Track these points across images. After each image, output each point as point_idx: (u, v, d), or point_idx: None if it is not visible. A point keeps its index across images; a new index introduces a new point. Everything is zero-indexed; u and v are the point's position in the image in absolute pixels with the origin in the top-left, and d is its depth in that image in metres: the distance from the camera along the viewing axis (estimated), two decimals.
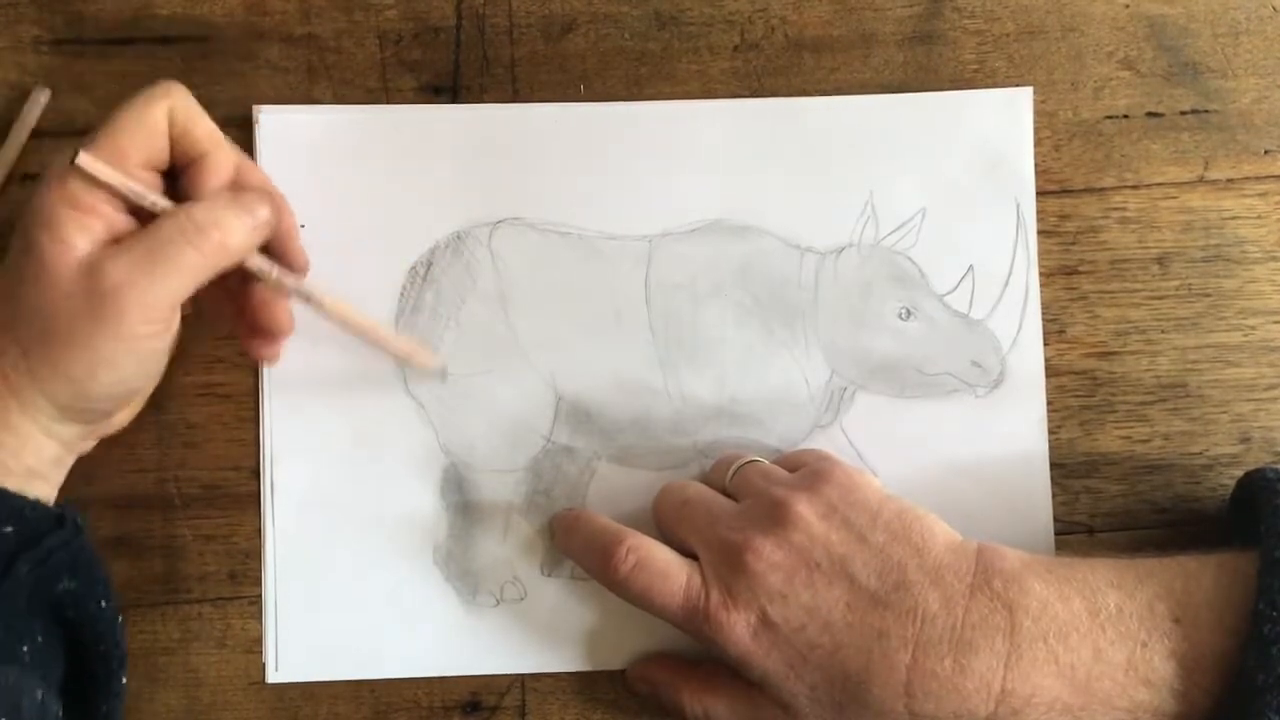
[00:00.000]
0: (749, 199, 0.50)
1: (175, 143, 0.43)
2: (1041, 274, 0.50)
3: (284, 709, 0.49)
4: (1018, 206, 0.50)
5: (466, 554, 0.49)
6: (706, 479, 0.49)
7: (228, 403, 0.50)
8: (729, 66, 0.51)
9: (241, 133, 0.50)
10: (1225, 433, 0.50)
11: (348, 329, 0.47)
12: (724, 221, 0.50)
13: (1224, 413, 0.50)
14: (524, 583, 0.50)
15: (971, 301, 0.50)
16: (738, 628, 0.43)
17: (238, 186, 0.44)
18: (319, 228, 0.49)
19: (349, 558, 0.49)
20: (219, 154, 0.44)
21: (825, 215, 0.50)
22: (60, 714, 0.42)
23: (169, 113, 0.43)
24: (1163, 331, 0.50)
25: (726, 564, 0.44)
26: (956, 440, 0.50)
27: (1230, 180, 0.51)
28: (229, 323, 0.47)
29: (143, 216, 0.43)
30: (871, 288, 0.50)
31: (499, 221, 0.50)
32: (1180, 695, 0.40)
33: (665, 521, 0.47)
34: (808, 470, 0.46)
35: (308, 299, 0.46)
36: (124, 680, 0.44)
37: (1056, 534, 0.50)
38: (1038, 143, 0.50)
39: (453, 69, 0.50)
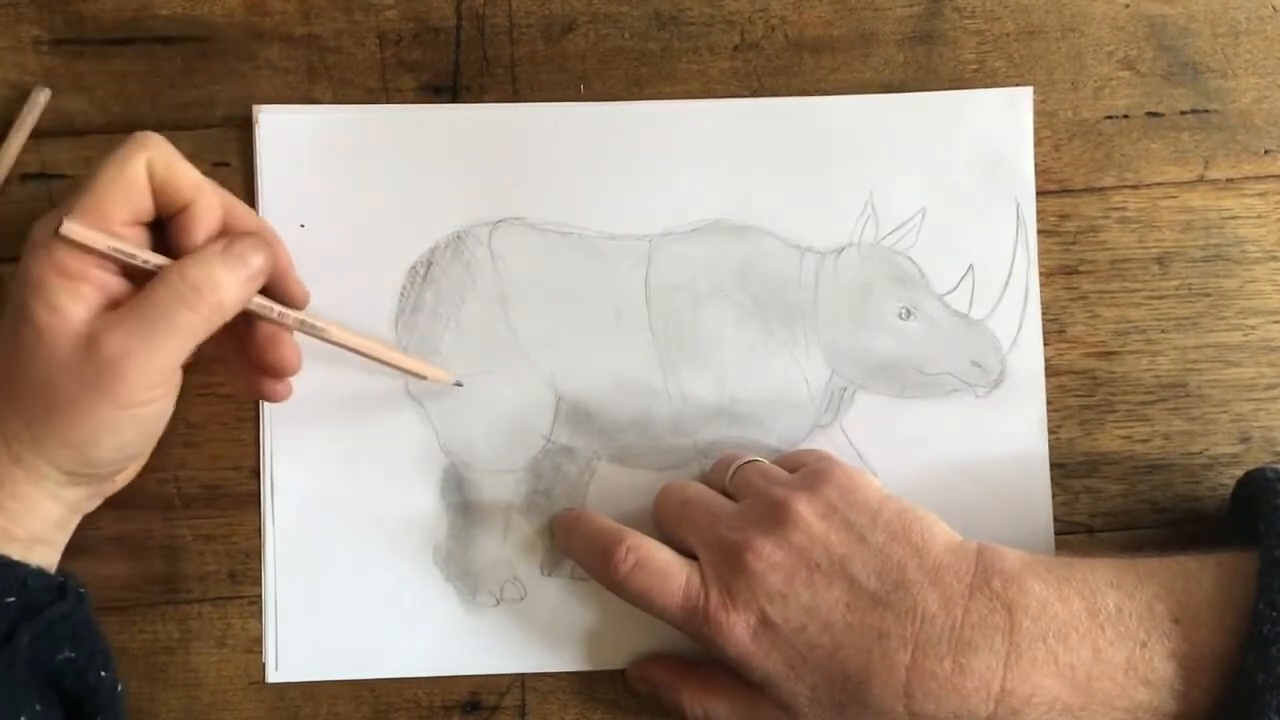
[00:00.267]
0: (749, 199, 0.50)
1: (158, 194, 0.42)
2: (1041, 274, 0.50)
3: (284, 709, 0.49)
4: (1018, 206, 0.50)
5: (466, 554, 0.49)
6: (706, 479, 0.49)
7: (228, 403, 0.50)
8: (729, 66, 0.51)
9: (241, 133, 0.50)
10: (1225, 433, 0.50)
11: (357, 354, 0.47)
12: (724, 221, 0.50)
13: (1224, 413, 0.50)
14: (524, 583, 0.50)
15: (971, 301, 0.50)
16: (737, 628, 0.43)
17: (227, 230, 0.44)
18: (319, 228, 0.50)
19: (349, 558, 0.49)
20: (204, 200, 0.43)
21: (825, 215, 0.50)
22: None
23: (148, 165, 0.42)
24: (1163, 331, 0.50)
25: (726, 564, 0.44)
26: (956, 440, 0.50)
27: (1230, 180, 0.51)
28: (235, 367, 0.47)
29: (135, 274, 0.42)
30: (871, 288, 0.50)
31: (499, 221, 0.50)
32: (1180, 695, 0.40)
33: (665, 521, 0.47)
34: (808, 470, 0.46)
35: (313, 330, 0.46)
36: None
37: (1056, 534, 0.50)
38: (1038, 143, 0.50)
39: (453, 69, 0.50)
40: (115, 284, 0.42)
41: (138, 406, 0.42)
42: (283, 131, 0.50)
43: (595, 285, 0.50)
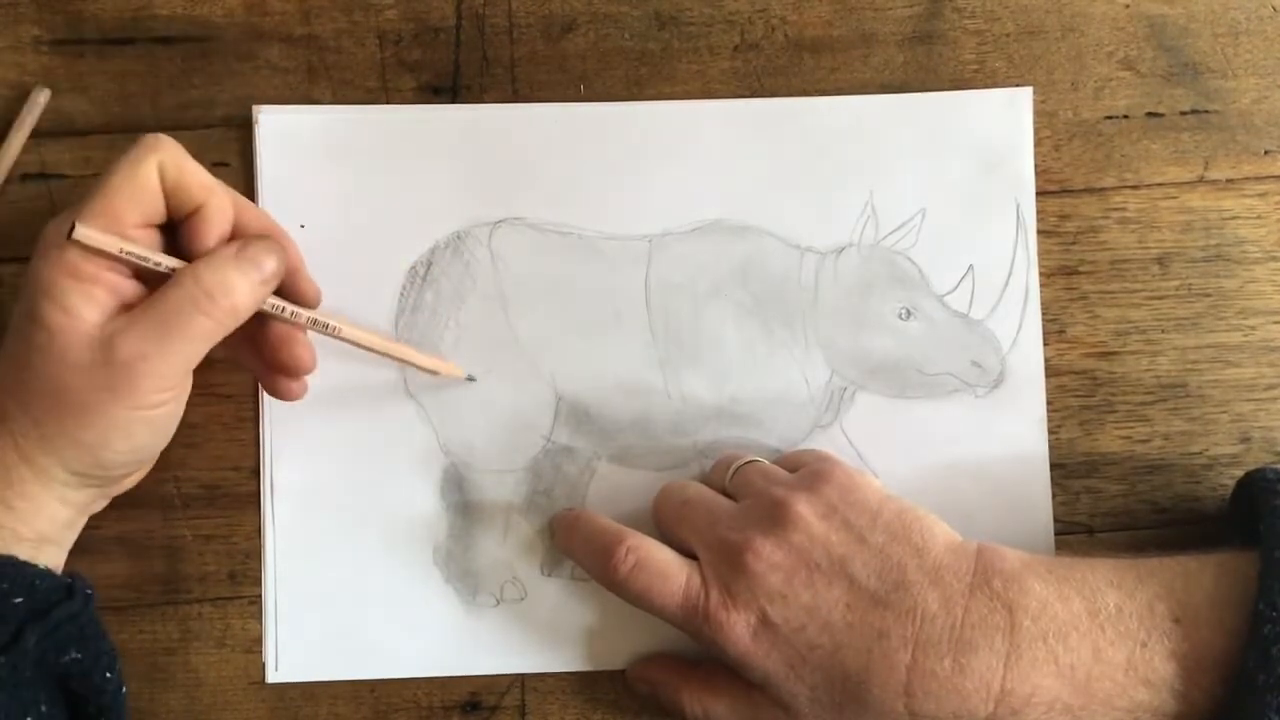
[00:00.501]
0: (749, 199, 0.50)
1: (169, 196, 0.43)
2: (1041, 274, 0.50)
3: (284, 709, 0.49)
4: (1018, 206, 0.50)
5: (466, 554, 0.49)
6: (706, 479, 0.49)
7: (228, 403, 0.50)
8: (729, 66, 0.51)
9: (241, 133, 0.50)
10: (1225, 433, 0.50)
11: (369, 351, 0.47)
12: (724, 221, 0.50)
13: (1224, 413, 0.50)
14: (524, 583, 0.50)
15: (971, 301, 0.50)
16: (737, 628, 0.43)
17: (239, 232, 0.44)
18: (319, 228, 0.50)
19: (349, 558, 0.49)
20: (215, 202, 0.43)
21: (825, 215, 0.50)
22: None
23: (159, 168, 0.42)
24: (1163, 331, 0.50)
25: (726, 564, 0.44)
26: (956, 440, 0.50)
27: (1230, 180, 0.51)
28: (250, 366, 0.47)
29: (147, 276, 0.42)
30: (871, 288, 0.50)
31: (499, 221, 0.50)
32: (1180, 695, 0.40)
33: (665, 521, 0.47)
34: (808, 470, 0.46)
35: (326, 329, 0.46)
36: None
37: (1056, 534, 0.50)
38: (1038, 143, 0.50)
39: (453, 69, 0.50)
40: (127, 286, 0.42)
41: (150, 409, 0.42)
42: (283, 131, 0.50)
43: (595, 285, 0.50)
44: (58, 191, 0.50)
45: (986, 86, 0.51)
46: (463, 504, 0.50)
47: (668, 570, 0.44)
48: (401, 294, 0.50)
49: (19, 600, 0.41)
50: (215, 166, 0.50)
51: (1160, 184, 0.51)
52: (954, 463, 0.50)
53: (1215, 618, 0.40)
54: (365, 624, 0.49)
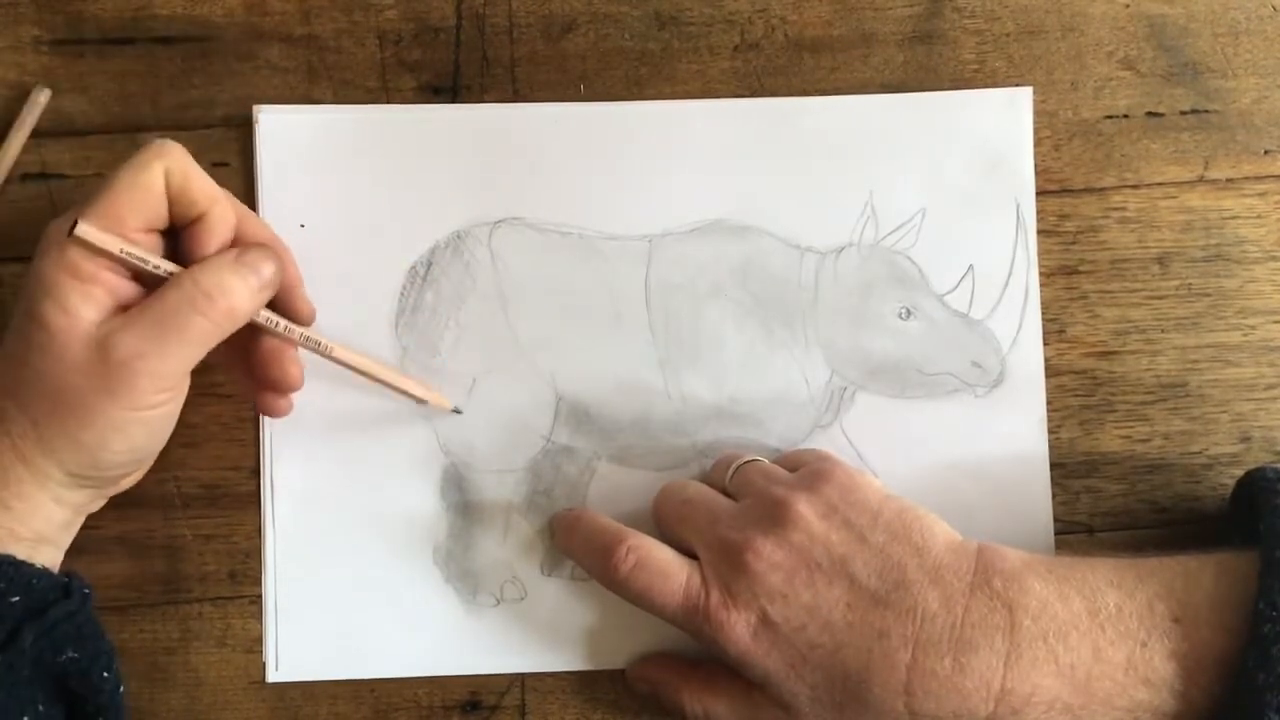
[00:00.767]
0: (749, 199, 0.50)
1: (173, 202, 0.43)
2: (1041, 274, 0.50)
3: (284, 709, 0.49)
4: (1018, 206, 0.50)
5: (466, 554, 0.49)
6: (706, 479, 0.49)
7: (227, 403, 0.50)
8: (729, 66, 0.51)
9: (241, 133, 0.50)
10: (1225, 433, 0.50)
11: (360, 375, 0.47)
12: (724, 221, 0.50)
13: (1224, 412, 0.50)
14: (524, 583, 0.50)
15: (971, 301, 0.50)
16: (738, 627, 0.43)
17: (240, 241, 0.44)
18: (319, 228, 0.50)
19: (349, 558, 0.49)
20: (218, 210, 0.43)
21: (825, 215, 0.50)
22: None
23: (165, 173, 0.42)
24: (1163, 331, 0.50)
25: (727, 563, 0.44)
26: (956, 440, 0.50)
27: (1230, 180, 0.51)
28: (238, 380, 0.47)
29: (147, 279, 0.42)
30: (871, 288, 0.50)
31: (499, 221, 0.50)
32: (1180, 695, 0.40)
33: (665, 521, 0.47)
34: (808, 470, 0.46)
35: (318, 347, 0.46)
36: None
37: (1056, 534, 0.50)
38: (1038, 143, 0.50)
39: (453, 69, 0.50)
40: (126, 288, 0.42)
41: (146, 410, 0.42)
42: (283, 131, 0.50)
43: (595, 285, 0.50)
44: (58, 191, 0.50)
45: (986, 86, 0.51)
46: (463, 504, 0.50)
47: (668, 570, 0.44)
48: (401, 294, 0.50)
49: (16, 599, 0.41)
50: (215, 166, 0.50)
51: (1160, 184, 0.51)
52: (954, 463, 0.50)
53: (1215, 617, 0.40)
54: (365, 624, 0.49)
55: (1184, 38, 0.51)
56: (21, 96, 0.49)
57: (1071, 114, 0.51)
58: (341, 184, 0.50)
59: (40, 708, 0.41)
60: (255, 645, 0.49)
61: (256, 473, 0.49)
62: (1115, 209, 0.51)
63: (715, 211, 0.50)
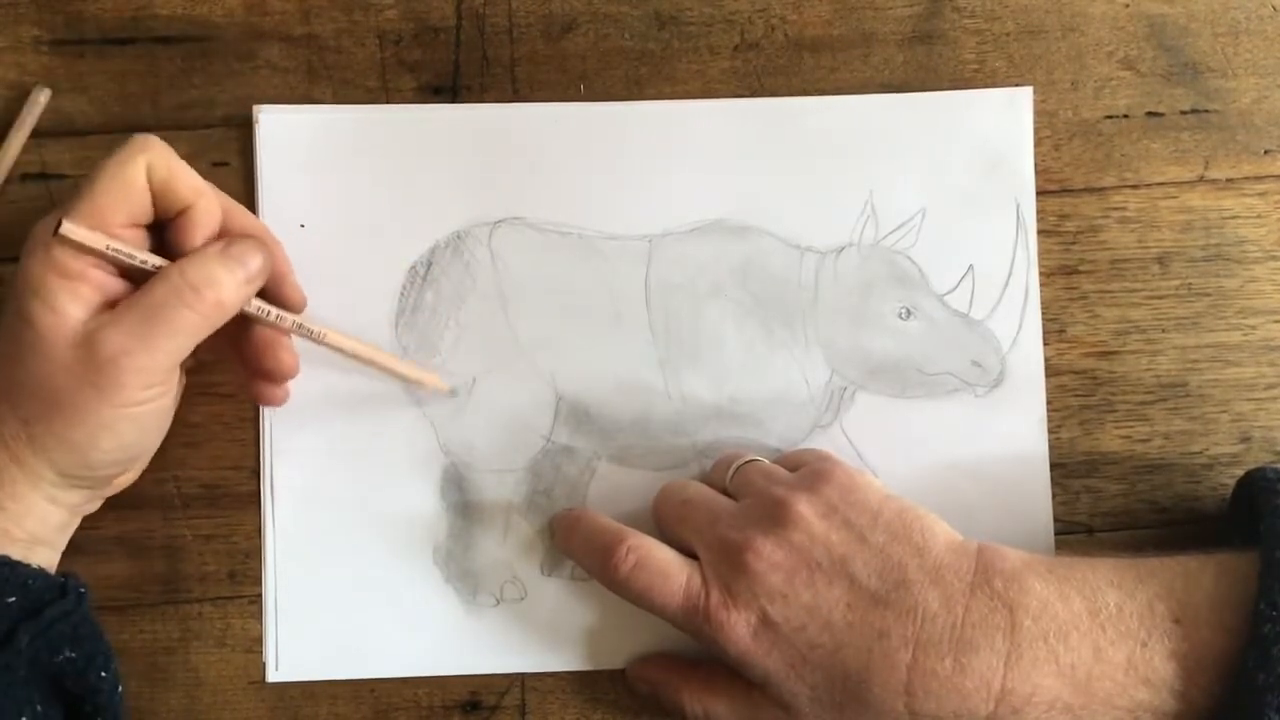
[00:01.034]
0: (749, 199, 0.50)
1: (157, 197, 0.43)
2: (1041, 274, 0.50)
3: (284, 709, 0.49)
4: (1018, 206, 0.50)
5: (466, 554, 0.49)
6: (706, 479, 0.49)
7: (227, 402, 0.50)
8: (729, 66, 0.51)
9: (241, 133, 0.50)
10: (1225, 433, 0.50)
11: (353, 360, 0.47)
12: (724, 221, 0.50)
13: (1224, 412, 0.50)
14: (524, 583, 0.50)
15: (971, 301, 0.50)
16: (738, 627, 0.43)
17: (226, 234, 0.44)
18: (319, 228, 0.50)
19: (349, 558, 0.49)
20: (203, 204, 0.43)
21: (825, 215, 0.50)
22: None
23: (147, 168, 0.42)
24: (1163, 331, 0.50)
25: (727, 563, 0.44)
26: (956, 440, 0.50)
27: (1230, 180, 0.51)
28: (233, 371, 0.47)
29: (134, 276, 0.42)
30: (871, 288, 0.50)
31: (499, 221, 0.50)
32: (1180, 695, 0.40)
33: (665, 521, 0.47)
34: (808, 470, 0.46)
35: (309, 335, 0.46)
36: None
37: (1056, 534, 0.50)
38: (1038, 143, 0.50)
39: (453, 69, 0.50)
40: (114, 285, 0.42)
41: (135, 406, 0.42)
42: (283, 131, 0.50)
43: (595, 285, 0.50)
44: (58, 192, 0.50)
45: (986, 86, 0.51)
46: (463, 504, 0.50)
47: (668, 570, 0.44)
48: (401, 294, 0.50)
49: (12, 599, 0.41)
50: (215, 166, 0.50)
51: (1160, 183, 0.51)
52: (954, 463, 0.50)
53: (1215, 617, 0.40)
54: (365, 624, 0.49)
55: (1184, 38, 0.51)
56: (21, 96, 0.49)
57: (1071, 114, 0.51)
58: (341, 184, 0.50)
59: (38, 708, 0.41)
60: (255, 645, 0.49)
61: (256, 473, 0.49)
62: (1115, 209, 0.51)
63: (715, 211, 0.50)
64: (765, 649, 0.43)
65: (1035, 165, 0.50)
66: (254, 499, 0.49)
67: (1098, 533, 0.50)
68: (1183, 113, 0.51)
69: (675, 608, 0.44)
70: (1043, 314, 0.50)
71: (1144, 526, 0.50)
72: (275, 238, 0.47)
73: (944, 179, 0.50)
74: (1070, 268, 0.50)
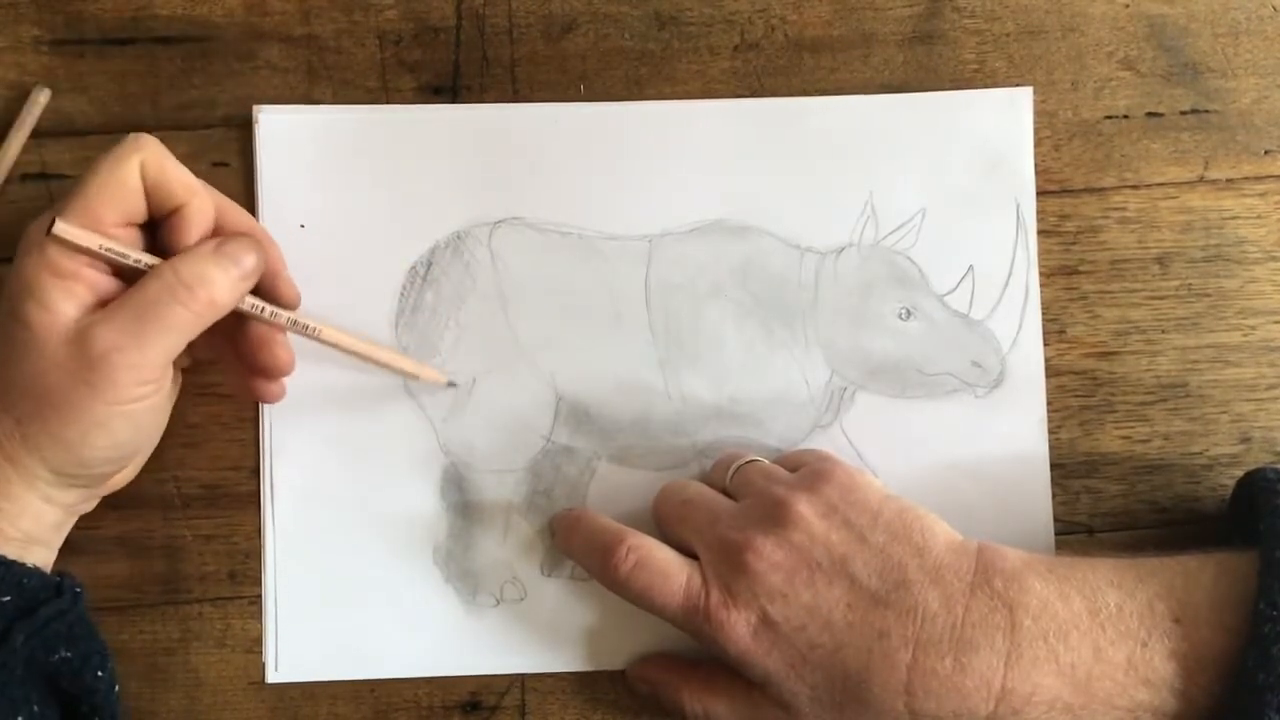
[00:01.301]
0: (749, 199, 0.50)
1: (150, 196, 0.43)
2: (1041, 274, 0.50)
3: (284, 709, 0.49)
4: (1018, 206, 0.50)
5: (466, 554, 0.49)
6: (706, 479, 0.49)
7: (227, 402, 0.50)
8: (729, 66, 0.51)
9: (241, 133, 0.50)
10: (1225, 433, 0.50)
11: (350, 355, 0.47)
12: (724, 221, 0.50)
13: (1224, 413, 0.50)
14: (524, 583, 0.50)
15: (971, 301, 0.50)
16: (738, 627, 0.43)
17: (220, 232, 0.44)
18: (319, 228, 0.50)
19: (349, 558, 0.49)
20: (196, 202, 0.43)
21: (825, 215, 0.50)
22: None
23: (140, 167, 0.42)
24: (1163, 331, 0.50)
25: (727, 563, 0.44)
26: (956, 440, 0.50)
27: (1230, 180, 0.51)
28: (227, 369, 0.47)
29: (128, 275, 0.43)
30: (871, 288, 0.50)
31: (499, 221, 0.50)
32: (1180, 695, 0.40)
33: (665, 521, 0.47)
34: (808, 470, 0.46)
35: (305, 330, 0.46)
36: None
37: (1056, 534, 0.50)
38: (1038, 143, 0.50)
39: (453, 69, 0.50)
40: (107, 284, 0.42)
41: (129, 403, 0.42)
42: (283, 131, 0.50)
43: (595, 285, 0.50)
44: (58, 191, 0.50)
45: (986, 86, 0.51)
46: (463, 504, 0.50)
47: (668, 569, 0.44)
48: (401, 294, 0.50)
49: (7, 599, 0.41)
50: (215, 167, 0.50)
51: (1160, 184, 0.51)
52: (954, 463, 0.50)
53: (1215, 617, 0.40)
54: (365, 624, 0.49)
55: (1184, 38, 0.51)
56: (21, 96, 0.50)
57: (1071, 114, 0.51)
58: (341, 184, 0.50)
59: (35, 708, 0.41)
60: (255, 645, 0.49)
61: (256, 473, 0.49)
62: (1115, 209, 0.51)
63: (715, 211, 0.50)
64: (765, 649, 0.43)
65: (1035, 165, 0.50)
66: (254, 499, 0.49)
67: (1098, 533, 0.50)
68: (1183, 113, 0.51)
69: (675, 608, 0.44)
70: (1043, 314, 0.50)
71: (1144, 526, 0.50)
72: (269, 236, 0.47)
73: (944, 179, 0.50)
74: (1070, 268, 0.50)
